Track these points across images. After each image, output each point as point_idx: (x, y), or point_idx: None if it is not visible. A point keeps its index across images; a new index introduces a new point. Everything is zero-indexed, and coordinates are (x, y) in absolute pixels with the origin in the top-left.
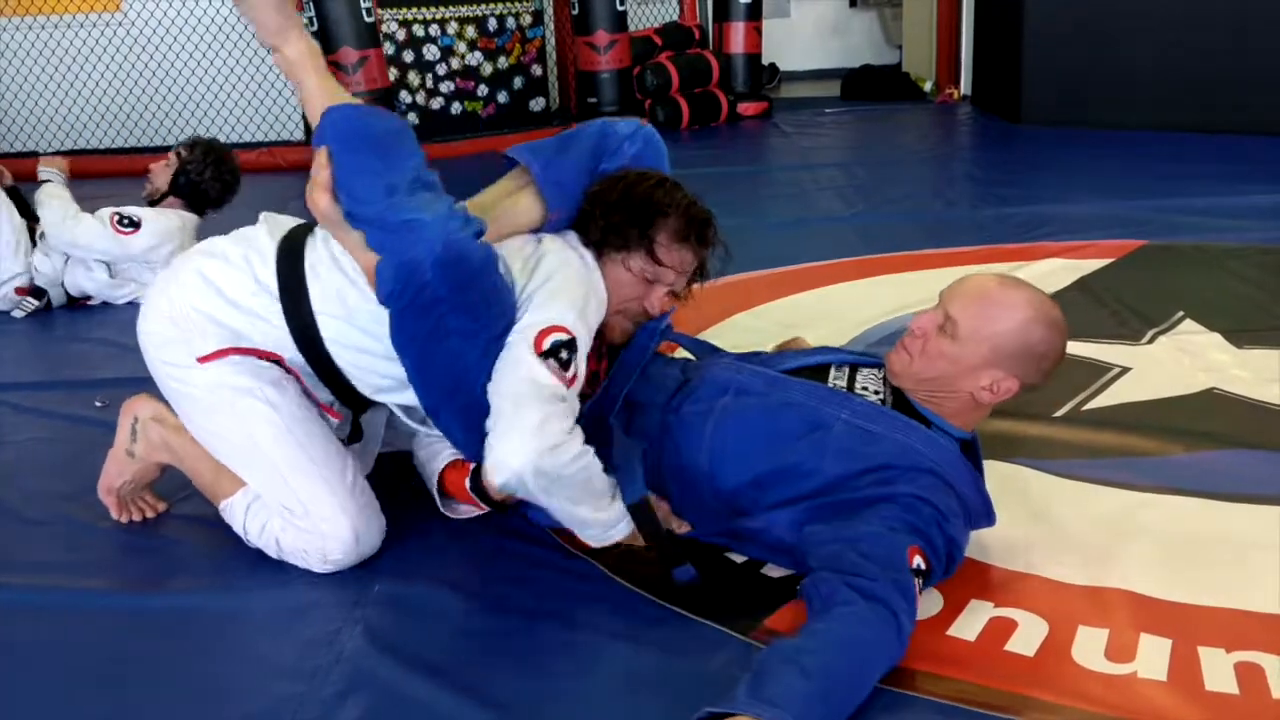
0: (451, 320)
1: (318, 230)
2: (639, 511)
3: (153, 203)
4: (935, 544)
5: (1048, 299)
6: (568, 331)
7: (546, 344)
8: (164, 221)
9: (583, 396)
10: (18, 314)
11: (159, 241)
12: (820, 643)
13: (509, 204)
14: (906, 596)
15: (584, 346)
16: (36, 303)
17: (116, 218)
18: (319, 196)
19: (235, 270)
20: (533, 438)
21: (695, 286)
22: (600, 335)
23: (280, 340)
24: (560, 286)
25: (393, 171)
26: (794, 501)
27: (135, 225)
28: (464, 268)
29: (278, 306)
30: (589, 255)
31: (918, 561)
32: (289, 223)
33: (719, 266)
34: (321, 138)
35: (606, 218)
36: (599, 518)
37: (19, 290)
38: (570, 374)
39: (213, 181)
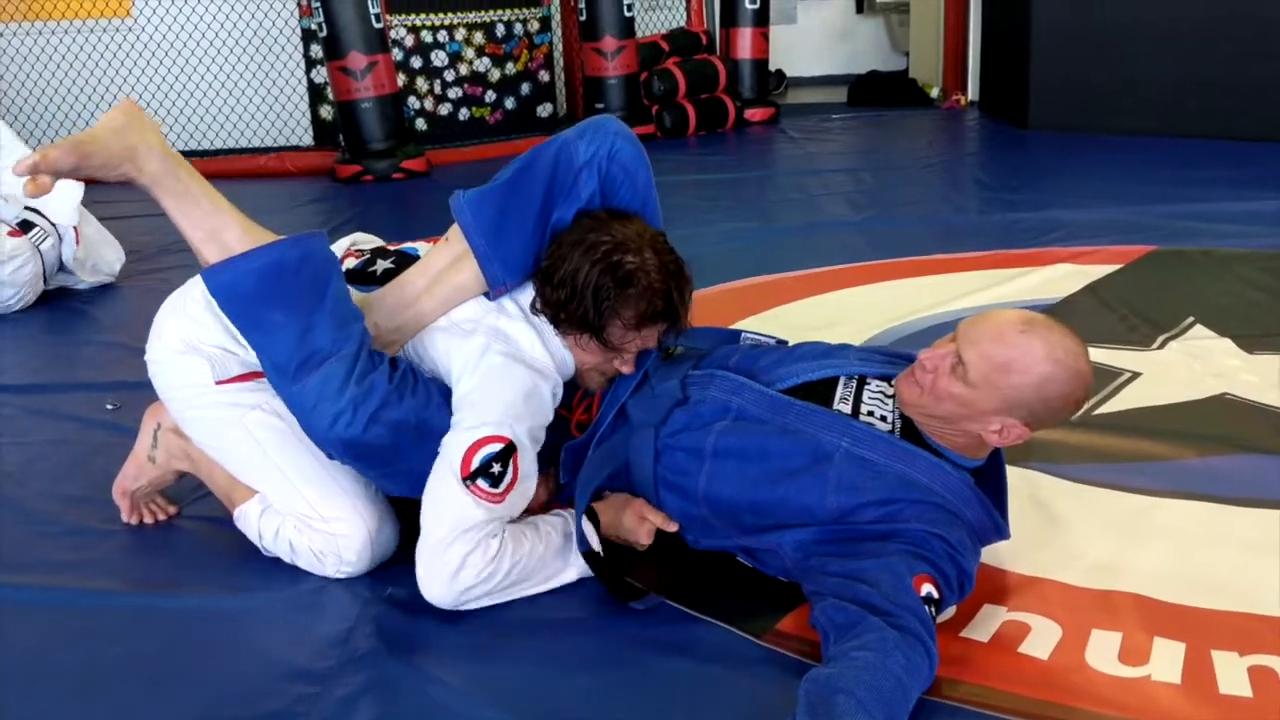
0: (375, 479)
1: None
2: (590, 559)
3: None
4: (948, 575)
5: (1071, 344)
6: (501, 440)
7: (476, 461)
8: None
9: (580, 426)
10: (45, 248)
11: None
12: (867, 673)
13: (453, 275)
14: (927, 626)
15: (527, 442)
16: (45, 234)
17: None
18: None
19: None
20: (450, 582)
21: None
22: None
23: None
24: (494, 393)
25: (275, 345)
26: (802, 525)
27: None
28: (367, 454)
29: None
30: (541, 325)
31: (928, 590)
32: None
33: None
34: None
35: (554, 304)
36: (550, 579)
37: (12, 233)
38: (502, 487)
39: None
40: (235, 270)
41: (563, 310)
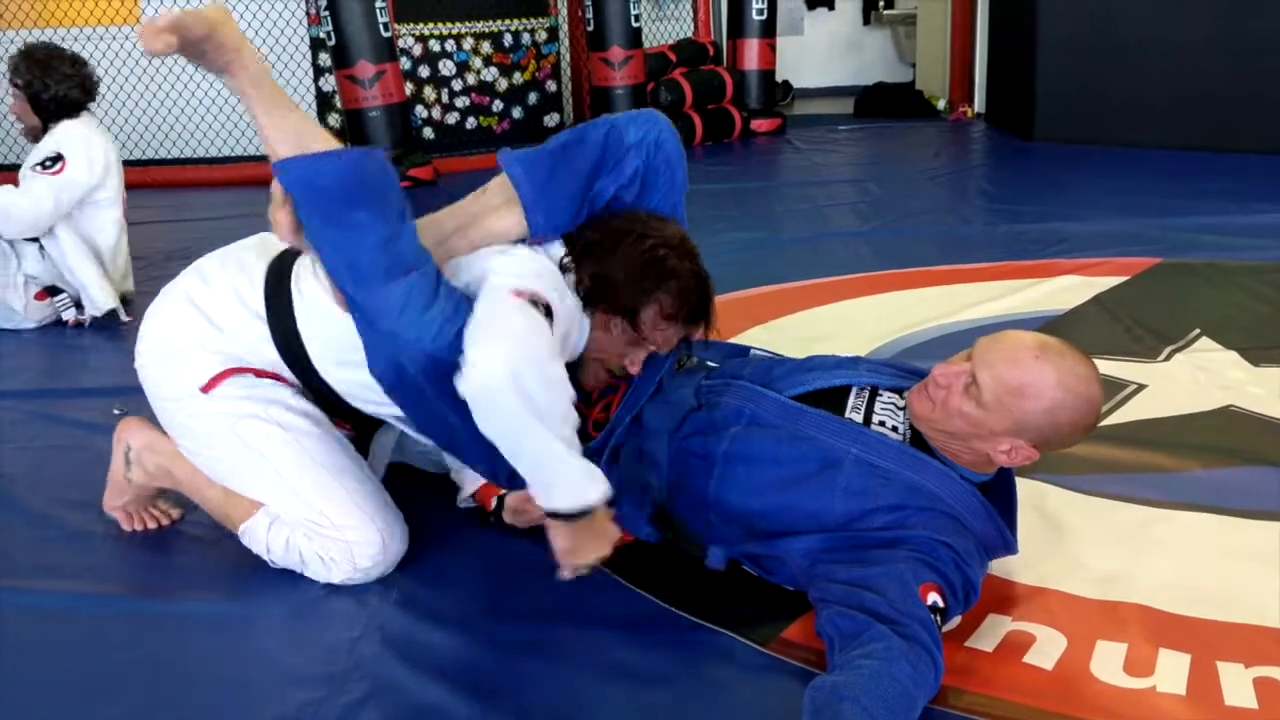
0: (442, 408)
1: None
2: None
3: (37, 138)
4: (954, 584)
5: (1083, 370)
6: (542, 297)
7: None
8: (73, 132)
9: (597, 425)
10: (68, 317)
11: (86, 149)
12: (874, 681)
13: (493, 220)
14: (933, 635)
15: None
16: (70, 302)
17: (38, 168)
18: (280, 216)
19: (220, 295)
20: (517, 344)
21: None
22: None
23: (274, 362)
24: (522, 267)
25: (355, 245)
26: (810, 532)
27: (58, 159)
28: (441, 376)
29: (264, 329)
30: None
31: (934, 598)
32: (281, 244)
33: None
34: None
35: (597, 276)
36: (572, 467)
37: (38, 296)
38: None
39: (64, 85)
40: (313, 165)
41: (603, 285)
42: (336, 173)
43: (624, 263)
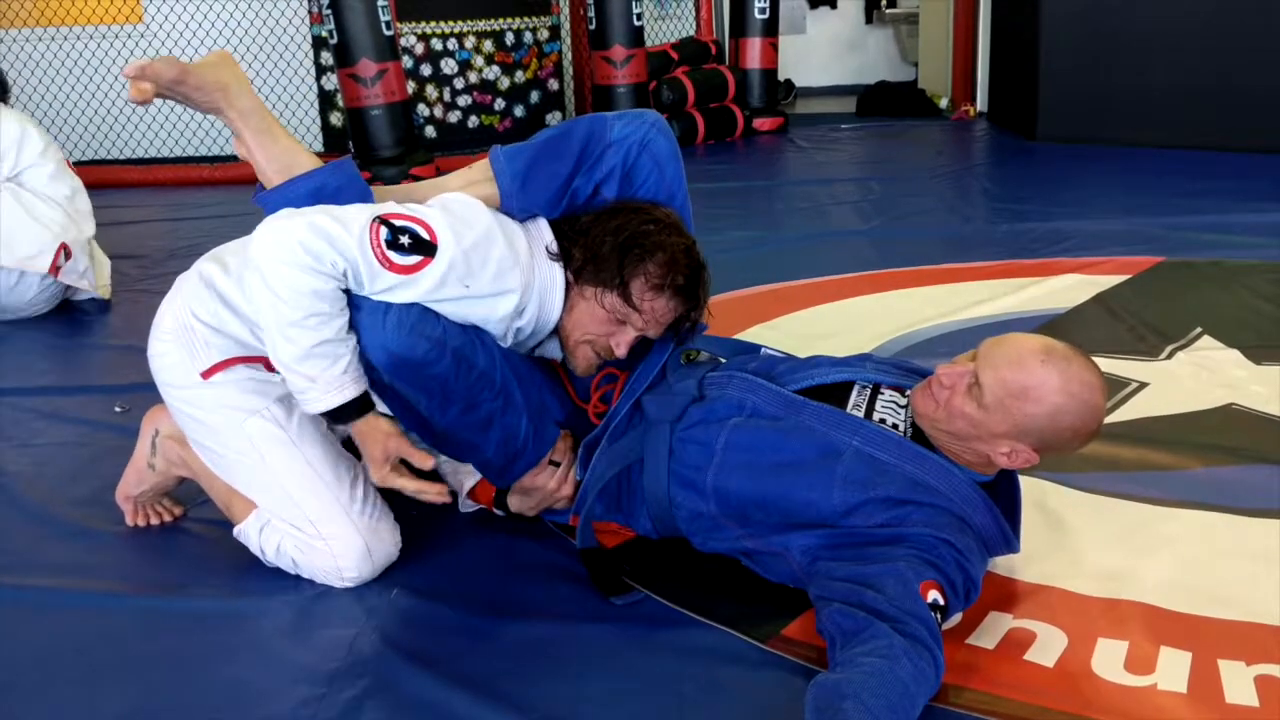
0: (419, 408)
1: None
2: (587, 557)
3: None
4: (954, 582)
5: (1088, 377)
6: (429, 231)
7: (396, 222)
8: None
9: (599, 416)
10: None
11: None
12: (875, 679)
13: (471, 190)
14: (934, 633)
15: (453, 271)
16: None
17: None
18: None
19: (236, 275)
20: (286, 235)
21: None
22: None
23: None
24: (457, 212)
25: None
26: (807, 527)
27: None
28: (414, 375)
29: None
30: (555, 263)
31: (934, 596)
32: None
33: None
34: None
35: (585, 250)
36: (298, 357)
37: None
38: (407, 262)
39: None
40: (285, 192)
41: (591, 259)
42: (308, 195)
43: (610, 235)
